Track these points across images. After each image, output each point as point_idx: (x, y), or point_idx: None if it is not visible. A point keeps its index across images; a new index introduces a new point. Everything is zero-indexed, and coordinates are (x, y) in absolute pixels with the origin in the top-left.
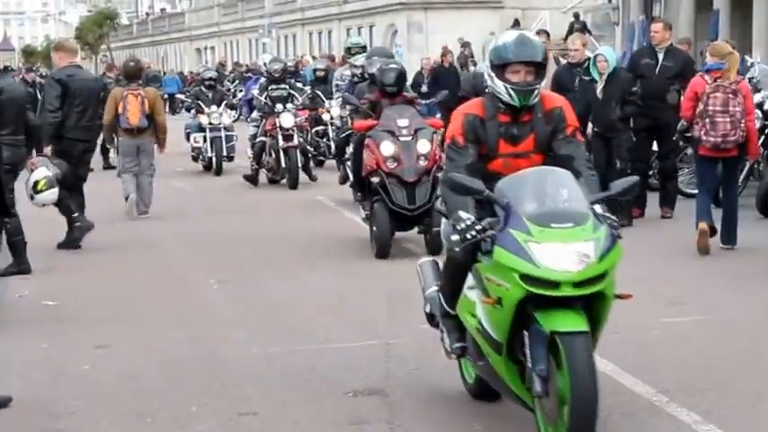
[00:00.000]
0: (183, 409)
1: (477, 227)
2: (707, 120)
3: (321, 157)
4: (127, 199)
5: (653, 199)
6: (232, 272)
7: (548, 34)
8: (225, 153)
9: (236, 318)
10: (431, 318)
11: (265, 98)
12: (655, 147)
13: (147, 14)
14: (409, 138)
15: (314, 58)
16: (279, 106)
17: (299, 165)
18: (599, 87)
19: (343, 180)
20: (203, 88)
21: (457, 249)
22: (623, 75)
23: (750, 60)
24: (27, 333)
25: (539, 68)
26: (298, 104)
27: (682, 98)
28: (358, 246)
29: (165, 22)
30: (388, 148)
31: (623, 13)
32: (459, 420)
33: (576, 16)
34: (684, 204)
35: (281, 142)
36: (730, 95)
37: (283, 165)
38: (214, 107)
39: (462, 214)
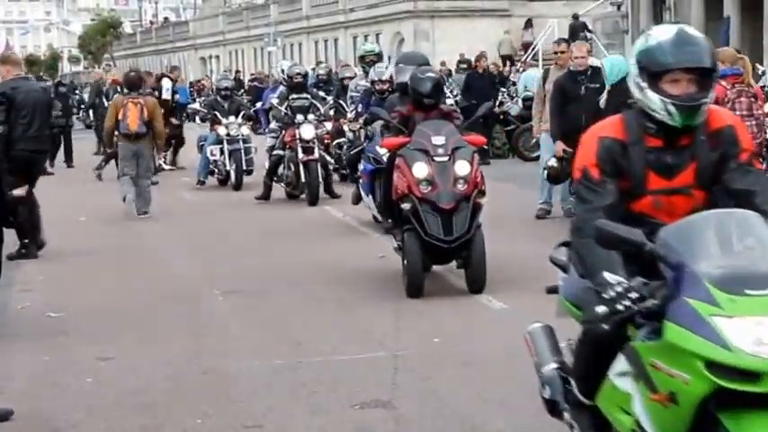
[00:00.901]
0: (188, 423)
1: (633, 294)
2: None
3: (343, 171)
4: (124, 200)
5: None
6: (238, 284)
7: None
8: (244, 166)
9: (242, 329)
10: (551, 405)
11: (286, 108)
12: None
13: (151, 23)
14: (446, 158)
15: (318, 63)
16: (299, 117)
17: (320, 179)
18: (603, 97)
19: (357, 200)
20: (219, 98)
21: (603, 325)
22: (624, 85)
23: (761, 69)
24: (29, 345)
25: (705, 75)
26: (319, 115)
27: None
28: (369, 259)
29: (169, 31)
30: (421, 169)
31: (632, 20)
32: None
33: (576, 17)
34: None
35: (300, 155)
36: (752, 99)
37: (303, 179)
38: (232, 117)
39: (610, 277)
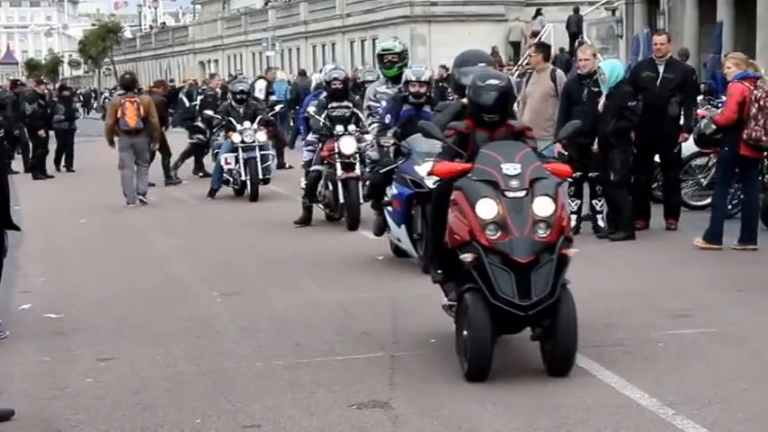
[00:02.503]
0: (187, 423)
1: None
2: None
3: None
4: (125, 194)
5: (657, 210)
6: (236, 285)
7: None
8: (260, 175)
9: (241, 330)
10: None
11: (325, 118)
12: (656, 158)
13: (151, 28)
14: (521, 193)
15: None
16: (338, 128)
17: (362, 200)
18: (601, 101)
19: (381, 230)
20: (234, 103)
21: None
22: (623, 89)
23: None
24: (29, 346)
25: None
26: (362, 126)
27: (681, 110)
28: (363, 258)
29: (168, 36)
30: (488, 208)
31: (627, 25)
32: None
33: (576, 10)
34: (689, 216)
35: (339, 172)
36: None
37: (341, 199)
38: (247, 123)
39: None
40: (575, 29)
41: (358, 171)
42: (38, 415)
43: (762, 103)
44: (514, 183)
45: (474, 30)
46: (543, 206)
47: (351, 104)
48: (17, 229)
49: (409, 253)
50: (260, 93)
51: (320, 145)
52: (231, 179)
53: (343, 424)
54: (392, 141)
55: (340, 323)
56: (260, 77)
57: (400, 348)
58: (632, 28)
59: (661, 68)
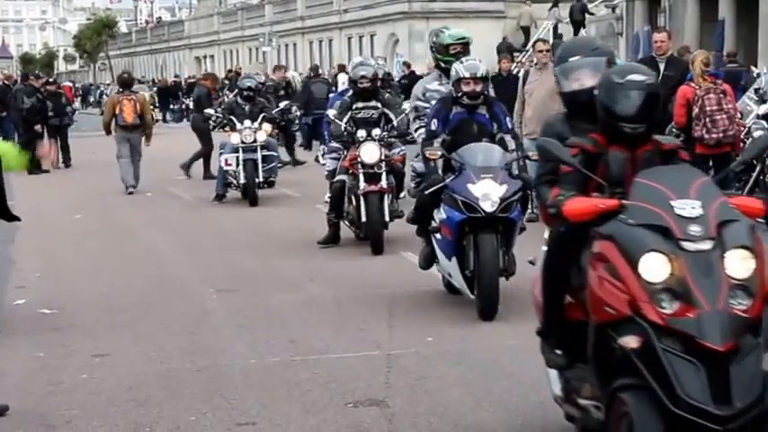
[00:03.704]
0: (182, 420)
1: None
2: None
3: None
4: (123, 181)
5: None
6: (232, 282)
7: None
8: (260, 178)
9: (236, 327)
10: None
11: (347, 121)
12: None
13: (147, 22)
14: (708, 244)
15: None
16: (361, 132)
17: (388, 218)
18: None
19: (428, 263)
20: (240, 99)
21: None
22: None
23: (756, 71)
24: (24, 341)
25: None
26: (391, 128)
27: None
28: (361, 259)
29: (164, 31)
30: (659, 267)
31: (627, 23)
32: (460, 431)
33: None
34: None
35: (361, 184)
36: (721, 95)
37: (364, 217)
38: (248, 122)
39: None
40: (579, 16)
41: (384, 183)
42: (32, 410)
43: (701, 103)
44: (695, 229)
45: (472, 27)
46: (741, 263)
47: (379, 104)
48: (17, 219)
49: (462, 292)
50: (342, 86)
51: (344, 152)
52: (234, 182)
53: (338, 422)
54: (440, 153)
55: (336, 320)
56: (342, 70)
57: (396, 346)
58: (632, 25)
59: (662, 66)
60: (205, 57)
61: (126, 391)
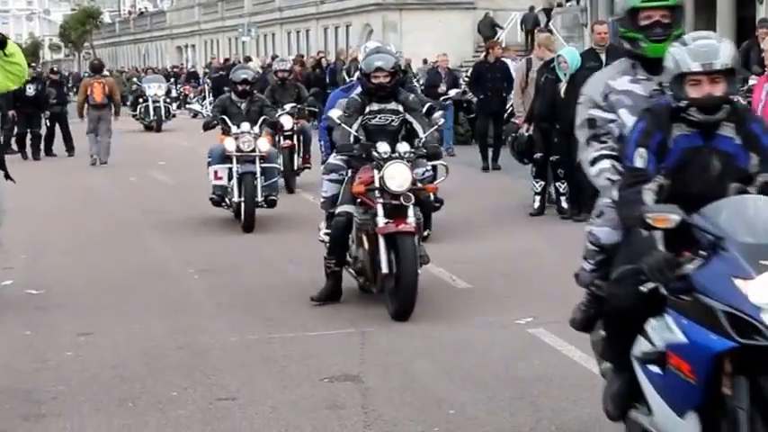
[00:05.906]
0: (164, 395)
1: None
2: None
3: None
4: (91, 156)
5: None
6: (213, 263)
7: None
8: (260, 197)
9: (216, 307)
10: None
11: (357, 129)
12: None
13: (130, 13)
14: None
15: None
16: (384, 147)
17: (419, 269)
18: (563, 87)
19: (620, 410)
20: (234, 96)
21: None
22: (583, 75)
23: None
24: (11, 321)
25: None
26: (419, 142)
27: None
28: None
29: (146, 21)
30: None
31: (591, 14)
32: (432, 405)
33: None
34: None
35: (380, 221)
36: None
37: (385, 268)
38: (246, 125)
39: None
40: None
41: (412, 220)
42: (19, 387)
43: None
44: None
45: (444, 17)
46: None
47: (400, 107)
48: (12, 179)
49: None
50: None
51: (350, 173)
52: (224, 200)
53: (315, 396)
54: (676, 218)
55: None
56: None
57: (371, 325)
58: (597, 17)
59: (603, 56)
60: (186, 46)
61: (110, 368)
